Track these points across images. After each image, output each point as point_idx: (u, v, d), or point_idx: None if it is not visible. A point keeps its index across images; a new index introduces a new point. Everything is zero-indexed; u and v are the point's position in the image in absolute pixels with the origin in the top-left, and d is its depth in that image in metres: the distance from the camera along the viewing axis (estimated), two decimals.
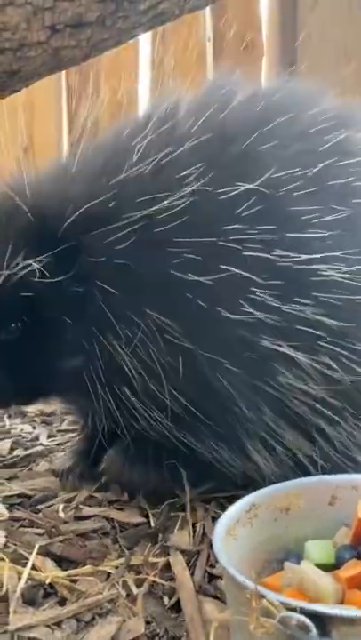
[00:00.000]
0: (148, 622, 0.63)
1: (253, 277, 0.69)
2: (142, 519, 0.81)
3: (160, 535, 0.76)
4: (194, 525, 0.78)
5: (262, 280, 0.69)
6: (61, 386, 0.78)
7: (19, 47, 0.57)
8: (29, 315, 0.72)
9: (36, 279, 0.69)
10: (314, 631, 0.45)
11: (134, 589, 0.67)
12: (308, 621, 0.45)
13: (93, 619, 0.64)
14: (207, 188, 0.70)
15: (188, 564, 0.70)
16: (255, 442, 0.73)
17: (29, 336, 0.73)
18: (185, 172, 0.71)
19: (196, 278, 0.69)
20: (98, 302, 0.71)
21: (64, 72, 1.30)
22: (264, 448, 0.74)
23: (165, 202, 0.69)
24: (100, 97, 1.35)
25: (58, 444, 1.05)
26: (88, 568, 0.70)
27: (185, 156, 0.72)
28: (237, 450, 0.74)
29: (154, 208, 0.69)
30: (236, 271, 0.68)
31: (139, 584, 0.68)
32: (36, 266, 0.68)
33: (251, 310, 0.68)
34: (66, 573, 0.69)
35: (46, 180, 0.75)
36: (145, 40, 1.36)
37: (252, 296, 0.69)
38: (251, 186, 0.69)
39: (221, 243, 0.69)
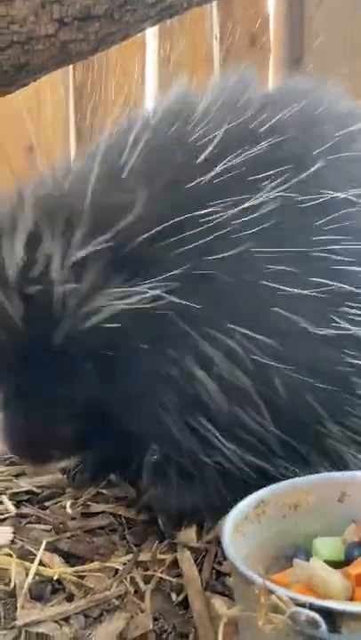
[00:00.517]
0: (155, 619, 0.63)
1: (348, 289, 0.65)
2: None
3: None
4: (201, 523, 0.78)
5: (355, 293, 0.65)
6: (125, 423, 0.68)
7: (27, 40, 0.57)
8: (107, 349, 0.62)
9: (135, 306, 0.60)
10: (323, 627, 0.44)
11: (142, 586, 0.67)
12: (317, 617, 0.44)
13: (101, 614, 0.64)
14: (294, 195, 0.65)
15: (195, 561, 0.70)
16: (330, 460, 0.70)
17: (101, 374, 0.63)
18: (267, 174, 0.65)
19: (286, 290, 0.63)
20: (175, 321, 0.62)
21: (71, 69, 1.30)
22: (335, 465, 0.71)
23: (249, 208, 0.63)
24: (107, 95, 1.36)
25: None
26: (96, 564, 0.70)
27: (266, 156, 0.66)
28: (309, 468, 0.69)
29: (234, 215, 0.63)
30: (331, 284, 0.64)
31: (146, 580, 0.68)
32: (151, 293, 0.59)
33: (343, 324, 0.64)
34: (73, 569, 0.69)
35: (104, 187, 0.63)
36: (152, 38, 1.36)
37: (343, 309, 0.65)
38: (341, 195, 0.65)
39: (314, 253, 0.64)
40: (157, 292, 0.60)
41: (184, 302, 0.61)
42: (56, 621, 0.62)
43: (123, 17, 0.59)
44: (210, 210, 0.63)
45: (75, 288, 0.59)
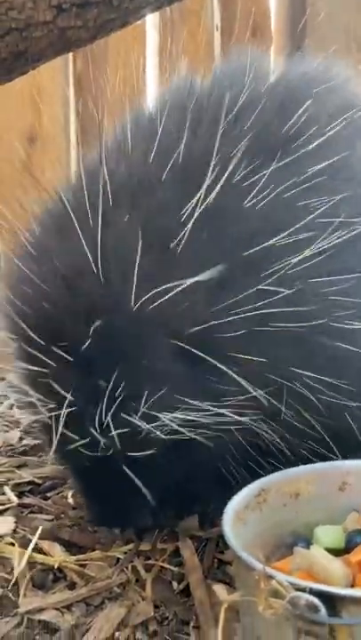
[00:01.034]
0: (157, 606, 0.63)
1: None
2: None
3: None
4: (203, 513, 0.78)
5: None
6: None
7: (25, 27, 0.57)
8: None
9: None
10: (323, 611, 0.44)
11: (143, 574, 0.67)
12: (317, 601, 0.44)
13: (103, 602, 0.64)
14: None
15: (197, 550, 0.70)
16: None
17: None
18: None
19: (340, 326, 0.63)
20: (232, 378, 0.61)
21: (71, 59, 1.30)
22: None
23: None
24: (108, 85, 1.35)
25: None
26: (97, 553, 0.70)
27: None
28: None
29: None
30: None
31: (147, 569, 0.68)
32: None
33: None
34: (75, 558, 0.69)
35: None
36: (152, 28, 1.35)
37: None
38: None
39: None
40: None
41: (240, 356, 0.61)
42: (58, 609, 0.62)
43: (122, 3, 0.58)
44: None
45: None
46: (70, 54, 1.30)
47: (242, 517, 0.61)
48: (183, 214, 0.61)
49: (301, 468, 0.66)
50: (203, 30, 1.40)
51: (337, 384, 0.64)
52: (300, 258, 0.62)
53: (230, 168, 0.63)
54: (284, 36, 1.46)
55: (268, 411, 0.63)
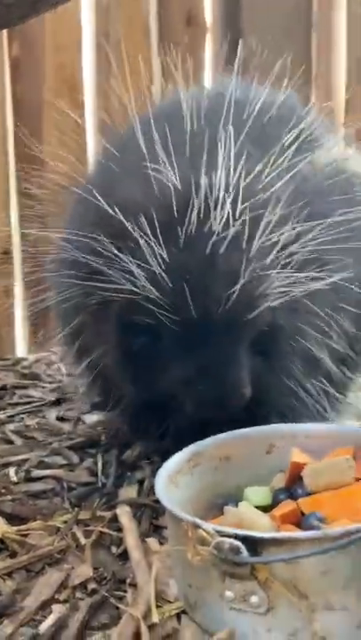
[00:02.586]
0: (96, 568, 0.66)
1: None
2: (91, 479, 0.83)
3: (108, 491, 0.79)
4: (141, 481, 0.82)
5: None
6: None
7: None
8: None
9: None
10: (245, 552, 0.48)
11: (83, 541, 0.70)
12: (239, 544, 0.48)
13: (43, 568, 0.66)
14: None
15: (134, 516, 0.73)
16: None
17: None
18: None
19: None
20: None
21: (6, 43, 1.29)
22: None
23: None
24: (44, 70, 1.35)
25: (9, 417, 1.07)
26: (38, 523, 0.72)
27: None
28: None
29: None
30: None
31: (87, 536, 0.71)
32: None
33: None
34: (16, 529, 0.71)
35: None
36: (89, 11, 1.35)
37: None
38: None
39: None
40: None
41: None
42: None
43: None
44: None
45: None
46: (6, 39, 1.30)
47: (174, 481, 0.64)
48: None
49: (230, 433, 0.70)
50: (139, 17, 1.41)
51: None
52: None
53: None
54: (220, 25, 1.49)
55: None
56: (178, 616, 0.58)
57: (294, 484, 0.64)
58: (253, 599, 0.50)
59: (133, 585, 0.62)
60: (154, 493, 0.76)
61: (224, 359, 0.67)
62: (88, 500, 0.78)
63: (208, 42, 1.47)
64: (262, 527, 0.59)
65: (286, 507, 0.61)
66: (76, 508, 0.76)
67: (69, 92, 1.31)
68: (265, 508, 0.63)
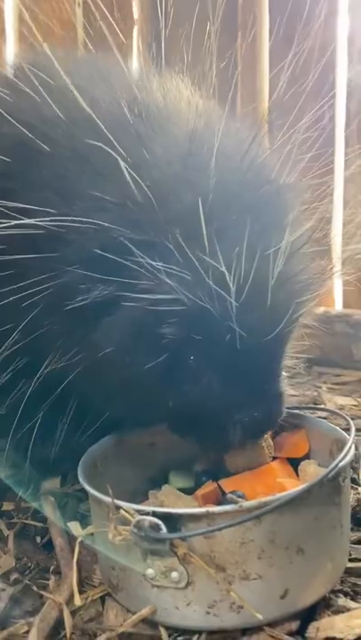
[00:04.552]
0: (19, 558, 0.65)
1: None
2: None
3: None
4: (65, 474, 0.81)
5: None
6: None
7: None
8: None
9: None
10: (164, 529, 0.49)
11: (6, 532, 0.69)
12: (158, 521, 0.49)
13: None
14: None
15: (59, 506, 0.73)
16: None
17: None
18: None
19: None
20: None
21: None
22: None
23: None
24: None
25: None
26: None
27: None
28: None
29: None
30: None
31: (11, 527, 0.70)
32: None
33: None
34: None
35: None
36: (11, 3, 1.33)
37: None
38: None
39: None
40: None
41: None
42: None
43: None
44: None
45: None
46: None
47: (99, 466, 0.64)
48: None
49: None
50: (65, 6, 1.39)
51: None
52: None
53: None
54: (148, 20, 1.49)
55: None
56: (102, 599, 0.58)
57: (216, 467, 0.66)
58: (174, 575, 0.51)
59: (58, 572, 0.62)
60: (78, 483, 0.77)
61: (279, 381, 0.61)
62: (10, 492, 0.77)
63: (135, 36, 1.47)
64: (184, 507, 0.61)
65: (208, 487, 0.63)
66: None
67: None
68: (189, 491, 0.65)
